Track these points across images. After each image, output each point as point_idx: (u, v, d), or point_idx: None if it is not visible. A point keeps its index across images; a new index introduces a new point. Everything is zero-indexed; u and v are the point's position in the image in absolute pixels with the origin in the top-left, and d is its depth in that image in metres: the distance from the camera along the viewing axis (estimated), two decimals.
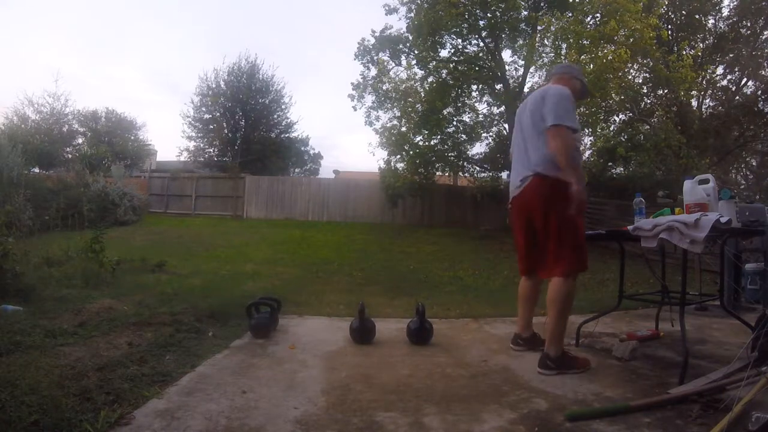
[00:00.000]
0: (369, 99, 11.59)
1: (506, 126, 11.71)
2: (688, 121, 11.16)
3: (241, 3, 48.88)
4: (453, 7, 9.38)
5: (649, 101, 12.07)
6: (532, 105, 2.42)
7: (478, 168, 12.86)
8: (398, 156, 11.33)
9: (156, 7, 50.24)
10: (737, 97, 11.72)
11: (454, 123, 11.74)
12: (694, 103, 11.79)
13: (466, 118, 12.08)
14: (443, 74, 11.25)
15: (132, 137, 20.91)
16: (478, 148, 12.86)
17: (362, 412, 1.81)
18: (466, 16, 10.16)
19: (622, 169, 13.05)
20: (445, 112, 11.06)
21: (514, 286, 5.47)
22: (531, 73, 11.14)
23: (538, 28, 9.72)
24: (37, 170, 13.18)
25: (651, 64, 10.08)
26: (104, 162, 14.66)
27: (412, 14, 10.67)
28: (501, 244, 9.98)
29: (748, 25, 11.39)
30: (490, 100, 11.87)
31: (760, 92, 11.63)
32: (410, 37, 10.78)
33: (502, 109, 11.45)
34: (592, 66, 8.86)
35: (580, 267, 2.32)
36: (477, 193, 12.62)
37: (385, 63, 11.32)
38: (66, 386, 1.83)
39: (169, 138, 60.27)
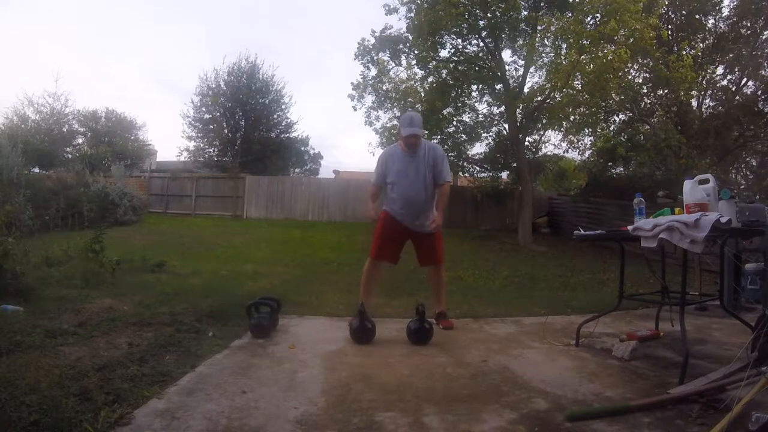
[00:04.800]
0: (369, 99, 11.56)
1: (506, 126, 11.69)
2: (688, 121, 11.13)
3: (241, 3, 48.94)
4: (453, 7, 9.35)
5: (649, 101, 12.05)
6: None
7: (478, 168, 12.88)
8: None
9: (156, 7, 50.29)
10: (737, 97, 11.67)
11: (454, 123, 11.72)
12: (694, 103, 11.75)
13: (466, 118, 12.08)
14: (443, 74, 11.23)
15: (132, 137, 20.92)
16: (478, 148, 12.87)
17: (362, 412, 1.81)
18: (466, 16, 10.12)
19: (622, 169, 13.07)
20: (445, 112, 11.04)
21: (514, 286, 5.56)
22: (531, 73, 11.13)
23: (538, 28, 9.70)
24: (37, 170, 13.15)
25: (651, 64, 10.05)
26: (104, 162, 14.66)
27: (412, 14, 10.64)
28: (501, 244, 9.98)
29: (748, 25, 11.34)
30: (490, 100, 11.84)
31: (760, 92, 11.58)
32: (410, 37, 10.74)
33: (502, 109, 11.44)
34: (592, 66, 8.85)
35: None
36: (477, 193, 12.63)
37: (385, 63, 11.28)
38: (66, 386, 1.83)
39: (169, 138, 60.36)
